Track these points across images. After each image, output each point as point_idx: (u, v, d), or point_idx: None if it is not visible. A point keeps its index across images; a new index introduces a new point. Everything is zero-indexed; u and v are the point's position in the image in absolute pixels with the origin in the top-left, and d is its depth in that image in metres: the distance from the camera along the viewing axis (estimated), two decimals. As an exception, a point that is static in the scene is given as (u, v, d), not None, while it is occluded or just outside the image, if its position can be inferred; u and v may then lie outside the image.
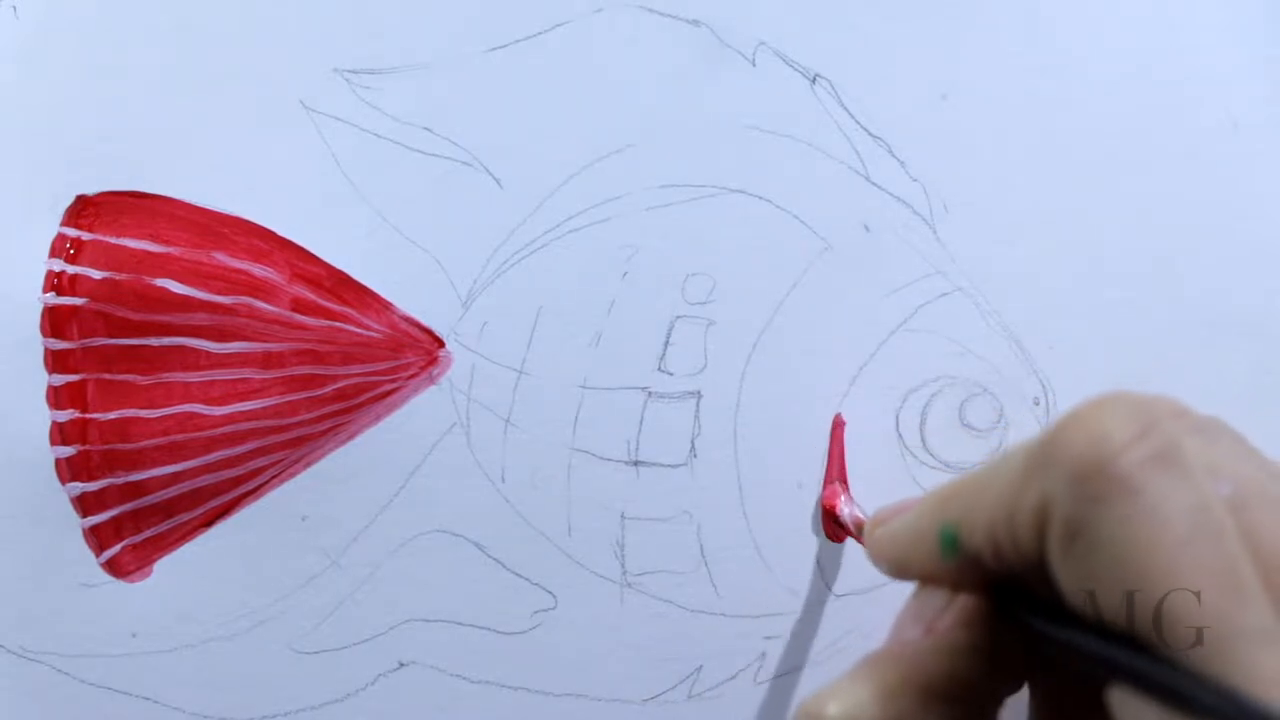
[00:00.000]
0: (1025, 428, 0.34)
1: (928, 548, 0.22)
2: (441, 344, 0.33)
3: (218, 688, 0.32)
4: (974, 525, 0.21)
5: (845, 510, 0.32)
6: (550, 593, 0.33)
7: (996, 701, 0.22)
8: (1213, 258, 0.35)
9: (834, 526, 0.33)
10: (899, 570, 0.24)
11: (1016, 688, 0.22)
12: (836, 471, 0.33)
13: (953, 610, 0.22)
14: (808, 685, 0.34)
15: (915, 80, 0.34)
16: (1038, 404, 0.34)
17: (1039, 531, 0.19)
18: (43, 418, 0.31)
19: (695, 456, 0.33)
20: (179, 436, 0.32)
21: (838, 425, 0.34)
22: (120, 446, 0.31)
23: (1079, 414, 0.19)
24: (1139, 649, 0.17)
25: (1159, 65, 0.35)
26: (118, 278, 0.31)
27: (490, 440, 0.33)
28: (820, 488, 0.33)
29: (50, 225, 0.31)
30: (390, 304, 0.32)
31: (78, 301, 0.31)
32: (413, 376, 0.33)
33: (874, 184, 0.34)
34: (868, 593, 0.34)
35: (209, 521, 0.32)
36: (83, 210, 0.32)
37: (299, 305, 0.32)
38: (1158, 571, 0.17)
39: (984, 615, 0.21)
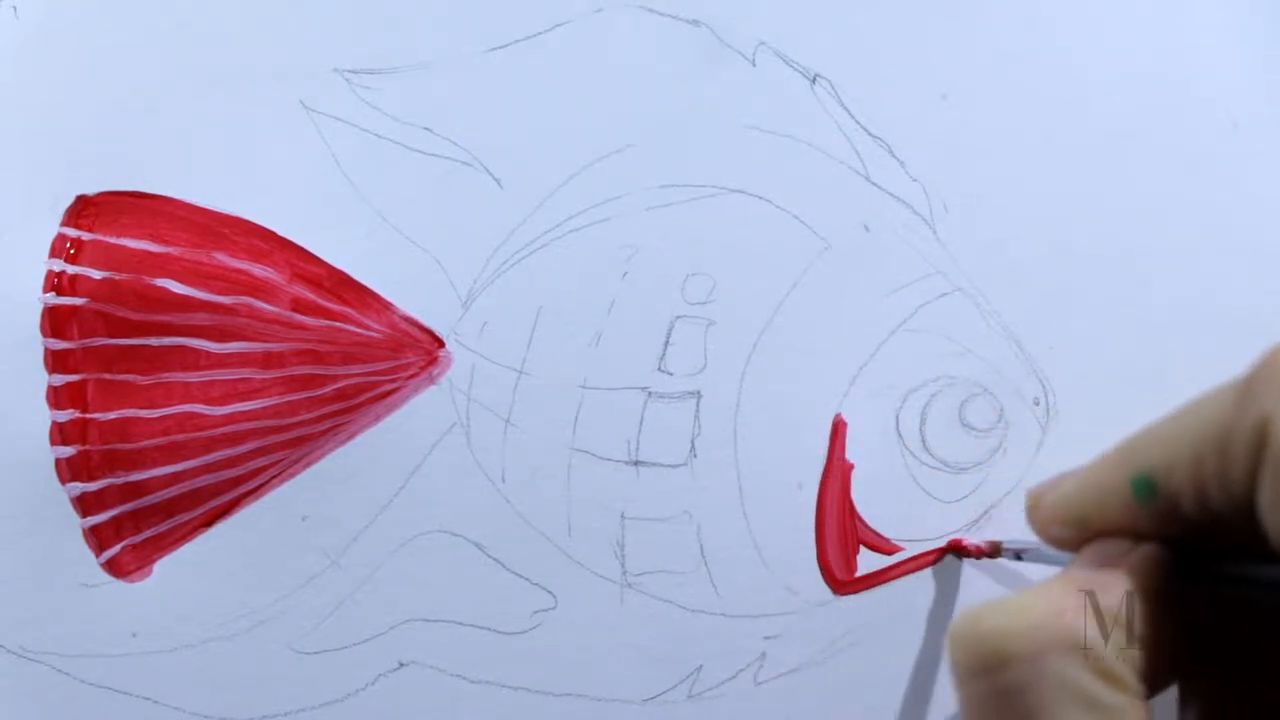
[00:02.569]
0: (1025, 428, 0.34)
1: (1116, 499, 0.21)
2: (441, 344, 0.33)
3: (218, 688, 0.32)
4: (1176, 464, 0.20)
5: (969, 543, 0.33)
6: (550, 593, 0.33)
7: (1157, 672, 0.21)
8: (1213, 258, 0.35)
9: (841, 455, 0.33)
10: (1079, 528, 0.23)
11: (1169, 671, 0.21)
12: (837, 472, 0.34)
13: (1136, 553, 0.21)
14: (808, 685, 0.34)
15: (915, 80, 0.34)
16: (1038, 404, 0.34)
17: (1253, 459, 0.19)
18: (43, 418, 0.31)
19: (695, 456, 0.33)
20: (179, 436, 0.32)
21: (838, 425, 0.34)
22: (120, 446, 0.31)
23: None
24: None
25: (1159, 65, 0.35)
26: (118, 278, 0.31)
27: (490, 440, 0.33)
28: (820, 488, 0.33)
29: (50, 225, 0.31)
30: (390, 304, 0.32)
31: (78, 301, 0.31)
32: (413, 376, 0.33)
33: (874, 184, 0.34)
34: (868, 593, 0.34)
35: (209, 521, 0.32)
36: (83, 210, 0.32)
37: (299, 305, 0.32)
38: None
39: (1167, 565, 0.21)
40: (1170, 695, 0.23)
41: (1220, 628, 0.22)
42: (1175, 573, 0.21)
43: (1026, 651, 0.19)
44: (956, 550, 0.33)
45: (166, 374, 0.32)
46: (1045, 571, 0.29)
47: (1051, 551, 0.25)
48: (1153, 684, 0.21)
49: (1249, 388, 0.19)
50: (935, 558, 0.34)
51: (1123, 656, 0.19)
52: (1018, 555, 0.31)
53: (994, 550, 0.32)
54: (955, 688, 0.21)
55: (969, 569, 0.34)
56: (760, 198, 0.34)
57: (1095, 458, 0.23)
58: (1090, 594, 0.20)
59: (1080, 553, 0.22)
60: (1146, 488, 0.21)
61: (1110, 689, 0.19)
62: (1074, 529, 0.23)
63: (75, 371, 0.31)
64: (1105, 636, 0.19)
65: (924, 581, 0.34)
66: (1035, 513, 0.24)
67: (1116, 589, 0.20)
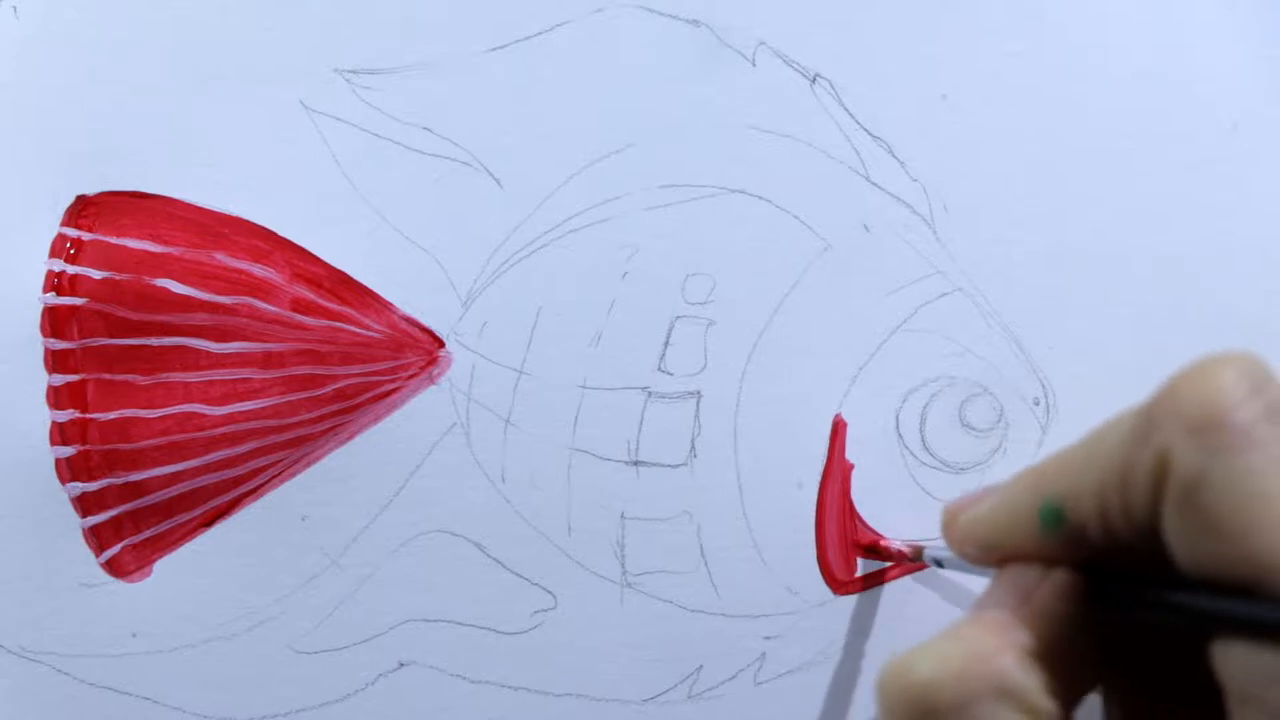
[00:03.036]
0: (1025, 428, 0.34)
1: (1024, 525, 0.22)
2: (441, 344, 0.33)
3: (218, 688, 0.32)
4: (1081, 494, 0.21)
5: (893, 545, 0.33)
6: (550, 593, 0.33)
7: (1078, 693, 0.21)
8: (1213, 258, 0.35)
9: (841, 455, 0.33)
10: (989, 552, 0.23)
11: (1090, 688, 0.22)
12: (837, 472, 0.34)
13: (1048, 583, 0.21)
14: (808, 685, 0.34)
15: (915, 80, 0.34)
16: (1038, 404, 0.34)
17: (1155, 490, 0.19)
18: (43, 418, 0.31)
19: (695, 456, 0.33)
20: (179, 436, 0.32)
21: (838, 425, 0.34)
22: (120, 446, 0.31)
23: (1191, 372, 0.19)
24: (1257, 600, 0.18)
25: (1159, 65, 0.35)
26: (118, 278, 0.31)
27: (490, 440, 0.33)
28: (820, 488, 0.33)
29: (50, 225, 0.31)
30: (390, 304, 0.32)
31: (78, 301, 0.31)
32: (413, 376, 0.33)
33: (874, 184, 0.34)
34: (868, 593, 0.34)
35: (209, 521, 0.32)
36: (83, 210, 0.32)
37: (299, 305, 0.32)
38: None
39: (1079, 593, 0.21)
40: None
41: (1132, 644, 0.22)
42: (1086, 597, 0.21)
43: (955, 700, 0.20)
44: (875, 551, 0.33)
45: (166, 374, 0.32)
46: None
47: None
48: (1079, 694, 0.21)
49: (1149, 417, 0.19)
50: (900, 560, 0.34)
51: (1047, 691, 0.20)
52: (938, 563, 0.31)
53: (915, 554, 0.32)
54: None
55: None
56: (760, 198, 0.34)
57: (1006, 482, 0.23)
58: (1009, 632, 0.20)
59: (993, 580, 0.23)
60: (1053, 517, 0.21)
61: None
62: (986, 552, 0.24)
63: (75, 371, 0.31)
64: (1027, 674, 0.20)
65: (924, 581, 0.34)
66: (950, 529, 0.25)
67: (1032, 624, 0.21)
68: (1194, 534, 0.18)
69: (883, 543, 0.33)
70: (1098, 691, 0.23)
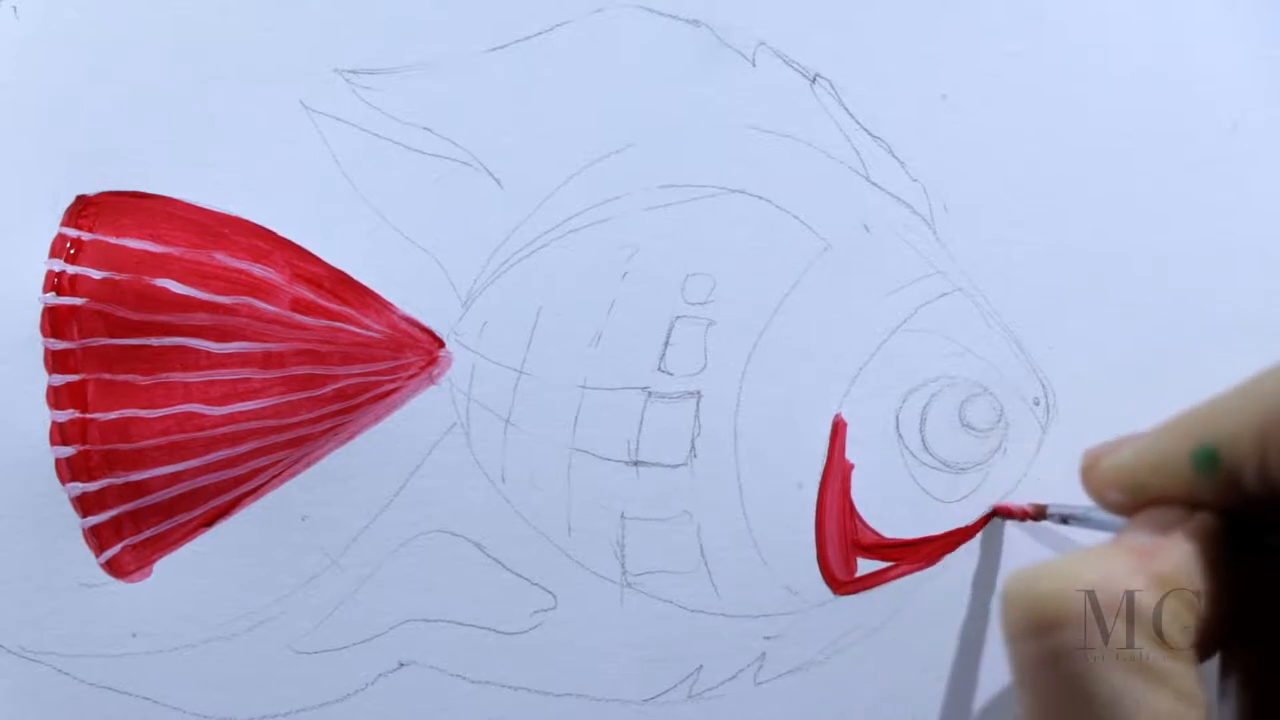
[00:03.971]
0: (1025, 428, 0.34)
1: (1174, 469, 0.21)
2: (441, 344, 0.33)
3: (218, 688, 0.32)
4: (1240, 436, 0.20)
5: (1014, 506, 0.33)
6: (550, 593, 0.33)
7: (1206, 640, 0.21)
8: (1213, 258, 0.35)
9: (841, 455, 0.33)
10: (1135, 494, 0.23)
11: (1216, 648, 0.21)
12: (837, 472, 0.34)
13: (1191, 522, 0.21)
14: (808, 685, 0.34)
15: (915, 80, 0.34)
16: (1038, 404, 0.34)
17: None
18: (43, 418, 0.31)
19: (695, 456, 0.33)
20: (179, 436, 0.32)
21: (838, 425, 0.34)
22: (120, 446, 0.31)
23: None
24: None
25: (1159, 65, 0.35)
26: (118, 278, 0.31)
27: (490, 440, 0.33)
28: (820, 488, 0.33)
29: (50, 225, 0.31)
30: (390, 304, 0.32)
31: (78, 301, 0.31)
32: (413, 376, 0.33)
33: (874, 184, 0.34)
34: (868, 593, 0.34)
35: (209, 521, 0.32)
36: (83, 210, 0.32)
37: (299, 305, 0.32)
38: None
39: (1220, 537, 0.21)
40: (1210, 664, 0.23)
41: (1267, 601, 0.22)
42: (1228, 543, 0.21)
43: (1080, 614, 0.19)
44: (1002, 514, 0.33)
45: (166, 374, 0.32)
46: (1092, 538, 0.28)
47: (1100, 516, 0.25)
48: (1204, 651, 0.21)
49: None
50: (939, 550, 0.34)
51: (1176, 622, 0.19)
52: (1064, 519, 0.31)
53: (1039, 513, 0.32)
54: (1007, 647, 0.21)
55: (974, 566, 0.34)
56: (760, 198, 0.34)
57: (1157, 426, 0.22)
58: (1146, 558, 0.20)
59: (1134, 519, 0.22)
60: (1208, 459, 0.21)
61: (1163, 653, 0.19)
62: (1130, 495, 0.23)
63: (75, 371, 0.31)
64: (1159, 601, 0.20)
65: (924, 581, 0.34)
66: (1091, 474, 0.24)
67: (1172, 555, 0.20)
68: None
69: (1011, 505, 0.33)
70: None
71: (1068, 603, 0.20)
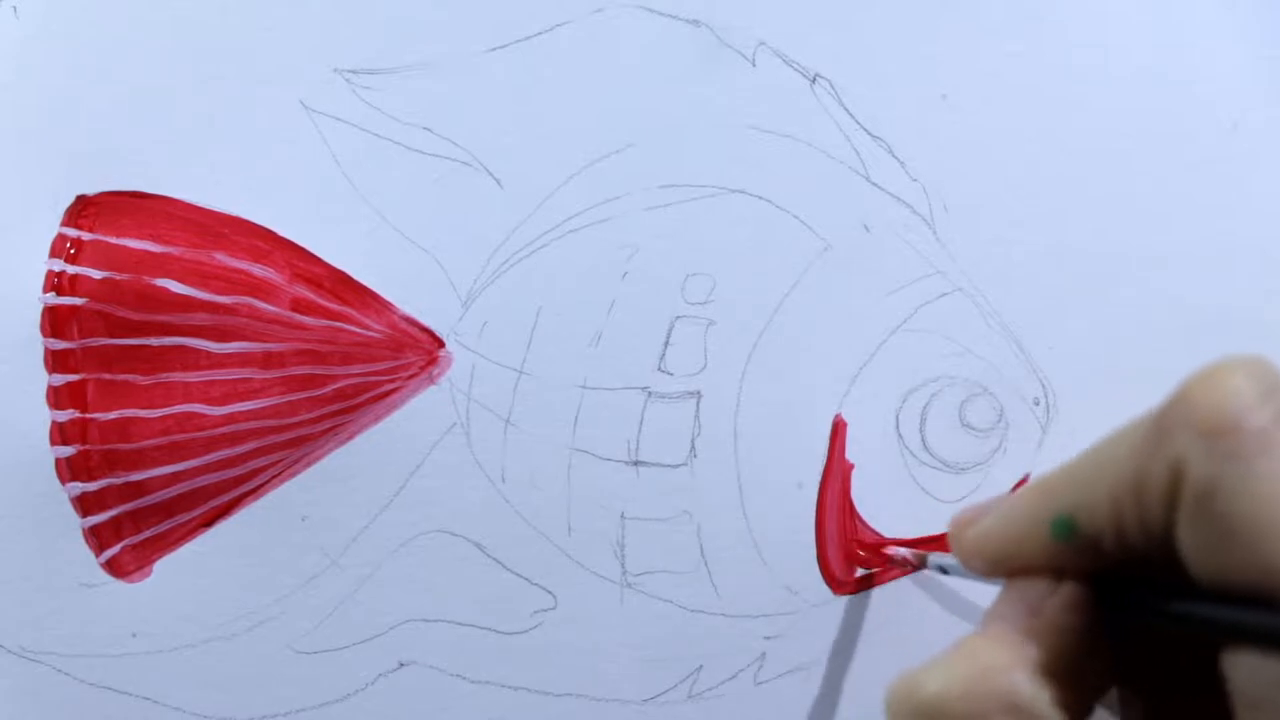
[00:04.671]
0: (1025, 428, 0.34)
1: (1035, 538, 0.22)
2: (441, 344, 0.33)
3: (218, 688, 0.32)
4: (1094, 505, 0.20)
5: (898, 552, 0.33)
6: (550, 593, 0.33)
7: (1090, 702, 0.21)
8: (1212, 258, 0.35)
9: (841, 455, 0.33)
10: (999, 565, 0.23)
11: (1101, 695, 0.22)
12: (837, 472, 0.34)
13: (1058, 596, 0.21)
14: (808, 685, 0.34)
15: (915, 80, 0.34)
16: (1038, 404, 0.34)
17: (1169, 498, 0.19)
18: (43, 418, 0.31)
19: (695, 456, 0.33)
20: (179, 436, 0.32)
21: (838, 425, 0.34)
22: (120, 446, 0.31)
23: (1202, 377, 0.19)
24: (1270, 609, 0.17)
25: (1158, 65, 0.35)
26: (118, 278, 0.31)
27: (490, 440, 0.33)
28: (820, 488, 0.33)
29: (50, 225, 0.31)
30: (390, 304, 0.32)
31: (78, 301, 0.31)
32: (413, 376, 0.33)
33: (874, 184, 0.34)
34: (868, 593, 0.34)
35: (209, 521, 0.32)
36: (83, 210, 0.32)
37: (299, 305, 0.32)
38: None
39: (1088, 604, 0.21)
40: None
41: (1145, 649, 0.22)
42: (1099, 607, 0.21)
43: (964, 718, 0.20)
44: (880, 559, 0.33)
45: (166, 374, 0.32)
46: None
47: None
48: (1086, 715, 0.21)
49: (1161, 425, 0.19)
50: (940, 548, 0.34)
51: (1056, 705, 0.20)
52: (944, 569, 0.31)
53: (920, 561, 0.32)
54: None
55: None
56: (760, 198, 0.34)
57: (1015, 495, 0.23)
58: (1019, 647, 0.20)
59: (1001, 593, 0.23)
60: (1066, 529, 0.21)
61: None
62: (995, 566, 0.23)
63: (75, 371, 0.31)
64: (1036, 689, 0.20)
65: (923, 583, 0.34)
66: (956, 545, 0.24)
67: (1042, 638, 0.21)
68: (1208, 542, 0.18)
69: (887, 550, 0.33)
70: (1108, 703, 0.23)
71: (950, 707, 0.20)
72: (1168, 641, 0.22)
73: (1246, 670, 0.18)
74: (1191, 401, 0.19)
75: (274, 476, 0.32)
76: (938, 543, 0.34)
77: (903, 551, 0.33)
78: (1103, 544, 0.21)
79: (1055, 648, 0.20)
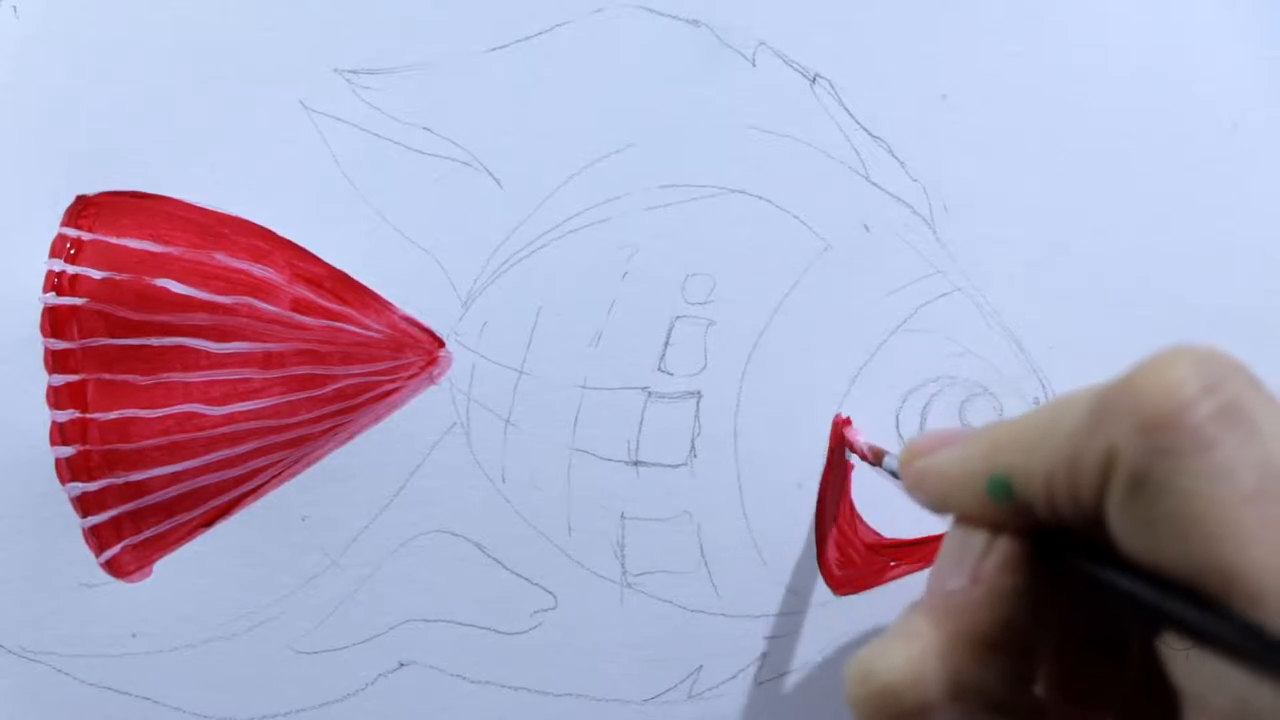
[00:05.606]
0: (1025, 428, 0.34)
1: (974, 490, 0.22)
2: (441, 344, 0.33)
3: (218, 688, 0.32)
4: (1030, 473, 0.20)
5: (859, 438, 0.32)
6: (550, 593, 0.33)
7: (1036, 660, 0.21)
8: (1213, 258, 0.35)
9: (841, 455, 0.33)
10: (938, 507, 0.23)
11: (1053, 639, 0.22)
12: (838, 471, 0.34)
13: (995, 554, 0.21)
14: (808, 685, 0.34)
15: (915, 80, 0.34)
16: (1037, 404, 0.34)
17: (1101, 482, 0.19)
18: (43, 418, 0.31)
19: (695, 456, 0.33)
20: (179, 436, 0.32)
21: (838, 425, 0.34)
22: (120, 446, 0.31)
23: (1147, 366, 0.19)
24: (1192, 598, 0.17)
25: (1159, 66, 0.35)
26: (118, 278, 0.31)
27: (490, 440, 0.33)
28: (820, 488, 0.33)
29: (50, 225, 0.31)
30: (390, 304, 0.32)
31: (78, 301, 0.31)
32: (413, 376, 0.33)
33: (874, 184, 0.34)
34: (868, 593, 0.34)
35: (209, 521, 0.32)
36: (83, 210, 0.32)
37: (299, 305, 0.32)
38: (1223, 527, 0.17)
39: (1027, 559, 0.21)
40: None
41: (1075, 610, 0.22)
42: (1034, 564, 0.21)
43: (916, 704, 0.20)
44: (845, 443, 0.33)
45: (166, 374, 0.32)
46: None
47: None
48: (1035, 672, 0.21)
49: (1100, 411, 0.19)
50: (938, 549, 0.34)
51: (1004, 678, 0.20)
52: (895, 474, 0.31)
53: (876, 458, 0.31)
54: None
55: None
56: (760, 198, 0.34)
57: (963, 442, 0.23)
58: (961, 622, 0.20)
59: (942, 549, 0.22)
60: (1001, 489, 0.21)
61: (1003, 716, 0.20)
62: (935, 503, 0.23)
63: (75, 371, 0.31)
64: (983, 667, 0.20)
65: (924, 581, 0.34)
66: (905, 470, 0.24)
67: (985, 610, 0.21)
68: (1135, 531, 0.18)
69: (855, 436, 0.33)
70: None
71: (905, 695, 0.20)
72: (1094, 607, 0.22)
73: (1184, 664, 0.18)
74: (1133, 389, 0.19)
75: (274, 476, 0.32)
76: (938, 544, 0.34)
77: (863, 440, 0.32)
78: (1037, 511, 0.21)
79: (998, 617, 0.20)
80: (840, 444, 0.34)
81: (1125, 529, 0.19)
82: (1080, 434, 0.19)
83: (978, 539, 0.22)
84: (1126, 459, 0.18)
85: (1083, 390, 0.20)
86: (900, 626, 0.21)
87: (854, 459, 0.33)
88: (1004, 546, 0.21)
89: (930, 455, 0.23)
